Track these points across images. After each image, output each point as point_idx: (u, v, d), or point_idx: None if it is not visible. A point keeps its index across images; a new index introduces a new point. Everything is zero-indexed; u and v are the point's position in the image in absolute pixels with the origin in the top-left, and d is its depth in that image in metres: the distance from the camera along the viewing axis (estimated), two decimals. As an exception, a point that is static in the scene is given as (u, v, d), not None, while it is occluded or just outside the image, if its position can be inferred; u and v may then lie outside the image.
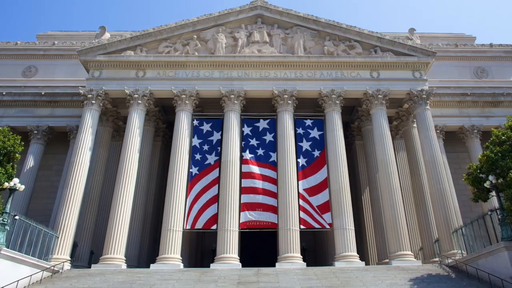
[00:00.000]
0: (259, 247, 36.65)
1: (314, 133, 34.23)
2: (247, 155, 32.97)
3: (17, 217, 23.38)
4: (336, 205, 30.49)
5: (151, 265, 28.16)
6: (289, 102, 33.89)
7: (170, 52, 35.68)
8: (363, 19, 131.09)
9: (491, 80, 44.07)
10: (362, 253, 33.75)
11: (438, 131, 38.11)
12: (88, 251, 32.16)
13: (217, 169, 32.54)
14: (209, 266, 28.10)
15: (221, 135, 33.62)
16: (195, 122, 34.35)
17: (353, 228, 29.93)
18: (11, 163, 23.45)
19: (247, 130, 34.10)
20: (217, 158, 33.09)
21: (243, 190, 31.53)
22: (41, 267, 24.41)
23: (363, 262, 28.83)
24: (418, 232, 34.36)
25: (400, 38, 36.41)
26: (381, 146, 32.57)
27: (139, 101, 33.55)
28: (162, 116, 38.83)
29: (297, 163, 32.58)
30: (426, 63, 35.52)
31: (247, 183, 31.85)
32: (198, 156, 33.14)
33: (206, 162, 33.02)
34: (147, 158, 35.63)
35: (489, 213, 24.67)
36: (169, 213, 29.74)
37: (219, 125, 34.31)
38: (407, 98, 35.03)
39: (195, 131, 34.04)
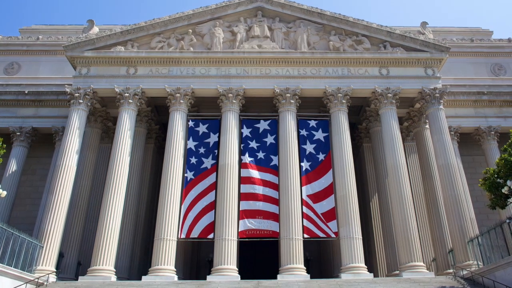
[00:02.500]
0: (259, 258, 36.78)
1: (319, 135, 34.30)
2: (247, 159, 33.06)
3: (-2, 226, 23.45)
4: (343, 212, 30.56)
5: (143, 277, 28.22)
6: (292, 101, 33.99)
7: (163, 47, 35.81)
8: (372, 12, 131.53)
9: (509, 77, 44.19)
10: (371, 264, 33.82)
11: (452, 132, 38.21)
12: (75, 262, 32.21)
13: (214, 173, 32.62)
14: (205, 278, 28.18)
15: (219, 137, 33.70)
16: (191, 123, 34.44)
17: (361, 237, 30.00)
18: (-8, 167, 23.55)
19: (246, 131, 34.19)
20: (214, 161, 33.16)
21: (242, 196, 31.60)
22: (24, 279, 24.50)
23: (372, 274, 28.90)
24: (430, 242, 34.46)
25: (412, 33, 36.56)
26: (391, 149, 32.65)
27: (130, 101, 33.66)
28: (154, 116, 38.94)
29: (300, 167, 32.66)
30: (439, 60, 35.65)
31: (246, 188, 31.93)
32: (193, 160, 33.21)
33: (202, 166, 33.08)
34: (138, 161, 35.71)
35: (508, 221, 24.71)
36: (162, 221, 29.80)
37: (216, 126, 34.39)
38: (419, 97, 35.15)
39: (191, 132, 34.13)
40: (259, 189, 31.99)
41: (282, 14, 37.48)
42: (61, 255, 30.34)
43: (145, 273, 29.25)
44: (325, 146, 33.92)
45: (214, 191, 31.89)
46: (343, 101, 34.15)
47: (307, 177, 32.66)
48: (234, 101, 33.96)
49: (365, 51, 35.83)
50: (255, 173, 32.57)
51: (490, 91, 40.54)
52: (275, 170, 32.79)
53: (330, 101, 34.45)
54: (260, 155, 33.46)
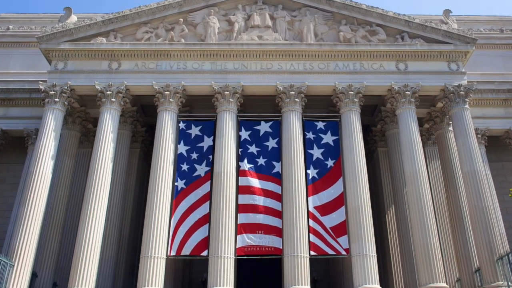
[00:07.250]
0: (260, 278, 36.91)
1: (327, 138, 34.47)
2: (245, 165, 33.21)
3: (-36, 241, 23.67)
4: (354, 226, 30.72)
5: (128, 300, 28.37)
6: (297, 100, 34.18)
7: (150, 39, 36.00)
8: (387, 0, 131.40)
9: (545, 73, 44.41)
10: (386, 285, 34.04)
11: (479, 135, 38.40)
12: (50, 283, 32.34)
13: (209, 182, 32.78)
14: (198, 302, 28.35)
15: (213, 140, 33.83)
16: (182, 125, 34.61)
17: (375, 254, 30.10)
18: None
19: (245, 134, 34.36)
20: (208, 168, 33.32)
21: (240, 208, 31.74)
22: (-7, 302, 24.66)
23: (388, 297, 29.07)
24: (454, 259, 34.65)
25: (433, 22, 36.75)
26: (410, 154, 32.83)
27: (113, 99, 33.83)
28: (140, 117, 39.17)
29: (307, 175, 32.81)
30: (465, 53, 35.83)
31: (245, 199, 32.07)
32: (185, 167, 33.36)
33: (194, 174, 33.23)
34: (122, 168, 35.89)
35: (541, 236, 24.95)
36: (150, 236, 29.92)
37: (210, 128, 34.54)
38: (441, 95, 35.36)
39: (182, 135, 34.29)
40: (260, 200, 32.10)
41: (285, 1, 37.62)
42: (34, 275, 30.46)
43: (130, 295, 29.44)
44: (335, 151, 34.07)
45: (209, 202, 32.02)
46: (355, 99, 34.32)
47: (314, 186, 32.81)
48: (231, 99, 34.13)
49: (380, 43, 36.04)
50: (255, 182, 32.70)
51: (522, 88, 40.78)
52: (277, 178, 32.93)
53: (340, 100, 34.63)
54: (261, 161, 33.60)
